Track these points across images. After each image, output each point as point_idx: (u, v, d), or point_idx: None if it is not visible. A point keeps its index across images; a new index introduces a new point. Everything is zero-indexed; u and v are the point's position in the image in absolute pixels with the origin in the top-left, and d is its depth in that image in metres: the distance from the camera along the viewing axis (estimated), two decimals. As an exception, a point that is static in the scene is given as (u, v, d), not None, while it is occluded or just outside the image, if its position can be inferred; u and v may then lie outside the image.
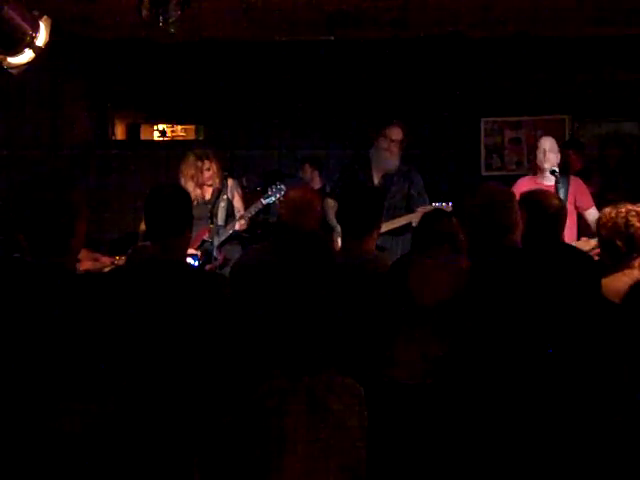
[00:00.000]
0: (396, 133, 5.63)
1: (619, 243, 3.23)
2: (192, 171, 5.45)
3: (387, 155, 5.55)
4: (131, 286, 2.83)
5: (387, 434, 1.79)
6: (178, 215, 2.99)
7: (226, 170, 5.73)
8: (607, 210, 3.37)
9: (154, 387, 2.64)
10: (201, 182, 5.47)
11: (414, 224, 4.69)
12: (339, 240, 5.35)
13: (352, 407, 1.52)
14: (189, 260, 4.75)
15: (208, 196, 5.51)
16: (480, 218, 2.99)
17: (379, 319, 2.49)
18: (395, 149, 5.59)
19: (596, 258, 3.67)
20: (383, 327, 2.34)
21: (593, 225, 5.21)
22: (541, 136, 5.98)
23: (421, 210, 5.05)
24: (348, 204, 3.69)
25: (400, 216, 5.38)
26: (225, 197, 5.50)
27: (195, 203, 5.36)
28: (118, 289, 2.67)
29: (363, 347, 2.45)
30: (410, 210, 5.43)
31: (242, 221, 5.40)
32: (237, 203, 5.61)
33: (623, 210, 3.29)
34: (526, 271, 2.82)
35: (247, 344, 2.23)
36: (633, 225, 3.24)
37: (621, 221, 3.26)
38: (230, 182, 5.62)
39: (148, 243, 3.19)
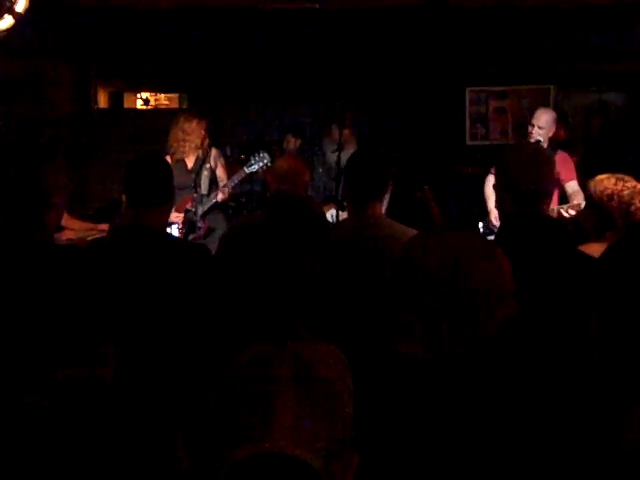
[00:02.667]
0: (336, 133, 5.87)
1: (616, 215, 3.21)
2: (185, 125, 5.41)
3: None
4: (111, 256, 2.83)
5: (402, 409, 1.77)
6: (158, 184, 2.99)
7: (209, 139, 5.70)
8: (611, 180, 3.30)
9: (134, 359, 2.64)
10: (191, 138, 5.43)
11: None
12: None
13: (338, 372, 1.55)
14: (169, 229, 4.74)
15: (191, 165, 5.49)
16: (524, 174, 2.66)
17: (381, 290, 2.45)
18: (345, 142, 5.81)
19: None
20: (387, 298, 2.31)
21: (571, 197, 5.29)
22: (529, 107, 6.08)
23: None
24: (354, 167, 3.51)
25: None
26: (208, 166, 5.48)
27: (195, 159, 5.37)
28: (97, 259, 2.67)
29: (367, 318, 2.41)
30: None
31: (225, 190, 5.39)
32: (220, 172, 5.58)
33: (629, 185, 3.26)
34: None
35: (229, 312, 2.22)
36: (634, 204, 3.22)
37: (627, 197, 3.23)
38: (213, 151, 5.59)
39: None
